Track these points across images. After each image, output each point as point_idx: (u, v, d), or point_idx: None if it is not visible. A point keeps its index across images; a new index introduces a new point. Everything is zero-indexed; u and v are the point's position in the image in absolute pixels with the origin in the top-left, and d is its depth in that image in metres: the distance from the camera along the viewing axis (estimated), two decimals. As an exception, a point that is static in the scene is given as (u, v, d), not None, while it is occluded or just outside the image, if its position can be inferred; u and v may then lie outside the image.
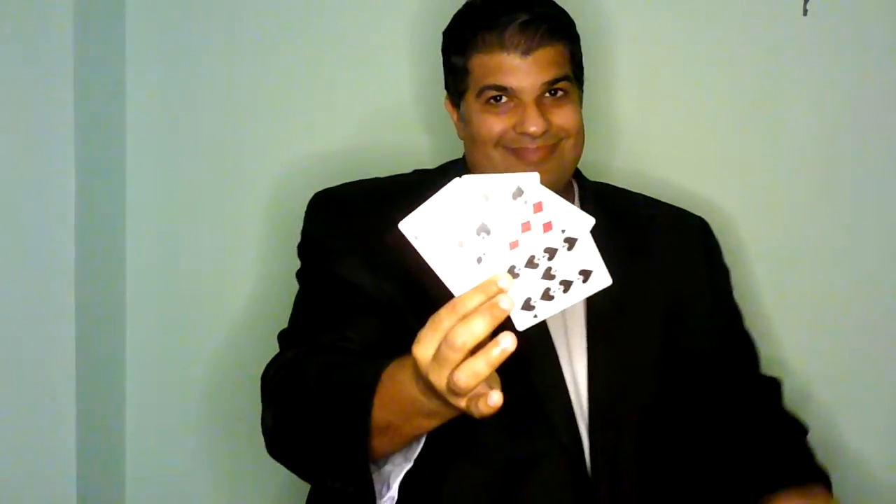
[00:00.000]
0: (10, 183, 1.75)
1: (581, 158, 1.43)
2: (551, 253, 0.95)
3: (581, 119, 1.40)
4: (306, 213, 1.46)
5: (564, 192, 1.43)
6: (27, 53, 1.73)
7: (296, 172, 1.87)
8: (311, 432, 1.19)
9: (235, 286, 1.92)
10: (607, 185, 1.56)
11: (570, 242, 0.96)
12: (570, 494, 1.31)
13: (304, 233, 1.45)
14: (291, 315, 1.40)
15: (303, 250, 1.44)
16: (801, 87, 1.84)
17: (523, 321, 0.96)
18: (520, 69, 1.34)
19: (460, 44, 1.39)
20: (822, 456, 1.82)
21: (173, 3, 1.91)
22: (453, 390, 0.94)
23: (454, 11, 1.43)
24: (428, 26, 1.54)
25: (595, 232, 1.18)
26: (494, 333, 0.93)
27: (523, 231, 0.95)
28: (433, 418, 1.06)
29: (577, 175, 1.49)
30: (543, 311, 0.96)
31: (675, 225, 1.52)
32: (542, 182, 1.08)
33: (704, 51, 1.85)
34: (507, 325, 0.94)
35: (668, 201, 1.58)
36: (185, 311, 1.95)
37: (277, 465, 1.28)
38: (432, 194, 0.97)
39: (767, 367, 1.58)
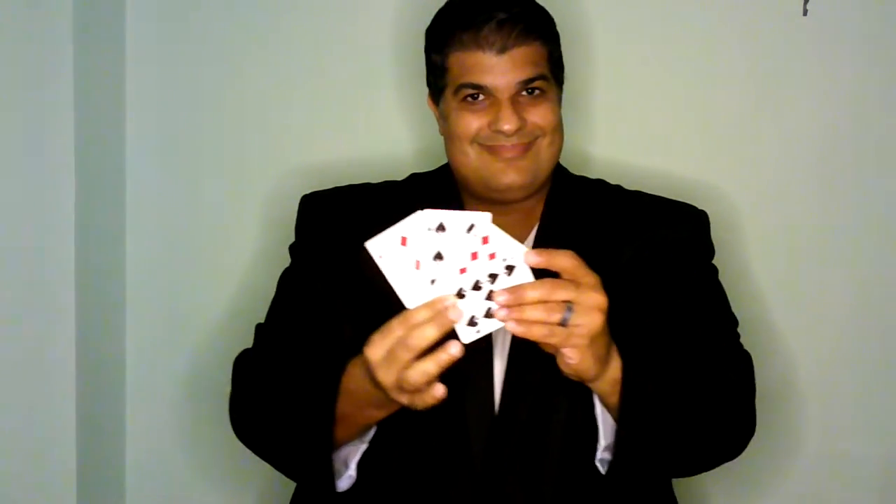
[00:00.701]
0: (10, 183, 1.75)
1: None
2: (493, 278, 1.11)
3: (558, 117, 1.40)
4: (297, 214, 1.49)
5: (545, 185, 1.44)
6: (27, 54, 1.73)
7: (296, 172, 1.86)
8: (277, 422, 1.31)
9: (235, 286, 1.92)
10: (589, 179, 1.53)
11: (510, 269, 1.12)
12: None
13: (295, 233, 1.49)
14: (269, 310, 1.47)
15: (291, 249, 1.49)
16: (801, 86, 1.84)
17: (468, 335, 1.11)
18: (495, 67, 1.35)
19: (439, 42, 1.40)
20: (819, 454, 1.83)
21: (173, 3, 1.91)
22: (401, 387, 1.10)
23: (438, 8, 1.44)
24: (414, 26, 1.54)
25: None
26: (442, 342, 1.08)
27: (472, 259, 1.10)
28: (382, 408, 1.22)
29: (560, 172, 1.49)
30: (485, 327, 1.11)
31: (655, 219, 1.46)
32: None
33: (705, 51, 1.85)
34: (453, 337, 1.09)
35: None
36: (185, 311, 1.95)
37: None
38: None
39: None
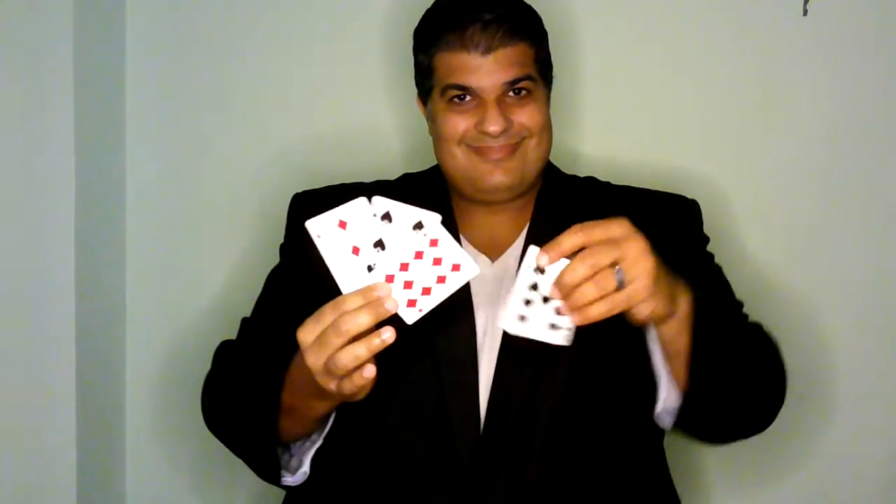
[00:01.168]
0: (10, 183, 1.75)
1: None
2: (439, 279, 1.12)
3: (546, 117, 1.40)
4: (288, 212, 1.50)
5: (534, 185, 1.44)
6: (27, 53, 1.73)
7: (296, 171, 1.86)
8: (231, 410, 1.35)
9: (235, 286, 1.92)
10: (578, 177, 1.53)
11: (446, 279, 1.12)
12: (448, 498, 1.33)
13: (285, 232, 1.51)
14: (255, 305, 1.50)
15: (281, 248, 1.51)
16: (801, 86, 1.84)
17: (411, 316, 1.10)
18: (481, 68, 1.35)
19: (425, 42, 1.41)
20: (819, 451, 1.82)
21: (173, 3, 1.91)
22: (329, 370, 1.09)
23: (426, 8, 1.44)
24: (402, 26, 1.54)
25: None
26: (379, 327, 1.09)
27: (415, 258, 1.11)
28: (322, 399, 1.21)
29: (551, 171, 1.49)
30: (426, 305, 1.11)
31: (645, 211, 1.43)
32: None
33: (705, 51, 1.85)
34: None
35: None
36: (185, 311, 1.95)
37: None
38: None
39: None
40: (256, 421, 1.27)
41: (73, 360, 1.78)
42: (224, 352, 1.45)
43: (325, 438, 1.34)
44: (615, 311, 1.11)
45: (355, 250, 1.09)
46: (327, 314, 1.09)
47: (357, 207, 1.10)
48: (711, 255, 1.49)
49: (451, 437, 1.33)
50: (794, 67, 1.83)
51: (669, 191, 1.51)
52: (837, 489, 1.88)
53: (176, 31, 1.92)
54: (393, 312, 1.09)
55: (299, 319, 1.36)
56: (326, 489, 1.38)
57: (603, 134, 1.86)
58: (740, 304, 1.45)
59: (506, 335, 1.34)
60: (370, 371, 1.09)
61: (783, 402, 1.36)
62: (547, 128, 1.41)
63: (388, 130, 1.89)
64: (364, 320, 1.07)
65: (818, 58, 1.83)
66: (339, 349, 1.08)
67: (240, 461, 1.40)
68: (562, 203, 1.45)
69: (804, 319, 1.86)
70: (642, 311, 1.13)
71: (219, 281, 1.94)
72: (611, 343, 1.33)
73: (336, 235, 1.10)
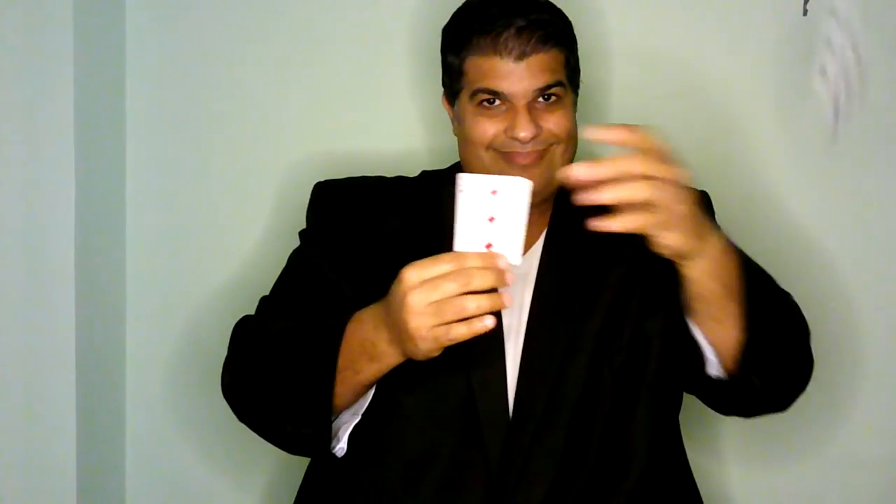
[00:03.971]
0: (10, 183, 1.75)
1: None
2: None
3: (574, 124, 1.40)
4: (310, 200, 1.48)
5: (552, 194, 1.44)
6: (27, 53, 1.73)
7: (296, 171, 1.86)
8: (275, 378, 1.28)
9: (235, 285, 1.91)
10: None
11: None
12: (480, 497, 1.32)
13: (306, 219, 1.48)
14: (274, 285, 1.46)
15: (301, 234, 1.49)
16: (801, 87, 1.84)
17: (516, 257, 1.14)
18: (513, 74, 1.34)
19: (456, 44, 1.39)
20: (820, 454, 1.82)
21: (173, 4, 1.91)
22: (438, 312, 1.09)
23: (455, 6, 1.43)
24: (430, 22, 1.54)
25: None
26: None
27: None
28: (374, 362, 1.20)
29: None
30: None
31: None
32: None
33: (705, 50, 1.85)
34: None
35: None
36: (185, 311, 1.95)
37: (279, 462, 1.29)
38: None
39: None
40: (311, 382, 1.23)
41: (73, 360, 1.78)
42: (246, 326, 1.40)
43: (352, 431, 1.32)
44: (636, 228, 1.10)
45: (490, 219, 1.12)
46: (444, 262, 1.10)
47: (516, 185, 1.14)
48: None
49: (479, 433, 1.33)
50: (794, 67, 1.84)
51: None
52: (837, 489, 1.88)
53: (176, 31, 1.92)
54: (509, 285, 1.11)
55: (327, 302, 1.36)
56: (352, 485, 1.37)
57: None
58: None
59: (529, 330, 1.36)
60: (491, 321, 1.10)
61: (811, 371, 1.35)
62: (573, 134, 1.40)
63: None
64: (488, 279, 1.09)
65: (818, 58, 1.83)
66: (454, 296, 1.09)
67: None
68: (569, 206, 1.45)
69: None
70: (667, 238, 1.12)
71: (219, 280, 1.93)
72: (631, 326, 1.35)
73: (480, 197, 1.13)
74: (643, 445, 1.38)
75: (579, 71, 1.44)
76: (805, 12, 1.81)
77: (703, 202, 1.50)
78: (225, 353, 1.84)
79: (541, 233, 1.44)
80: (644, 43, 1.86)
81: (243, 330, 1.39)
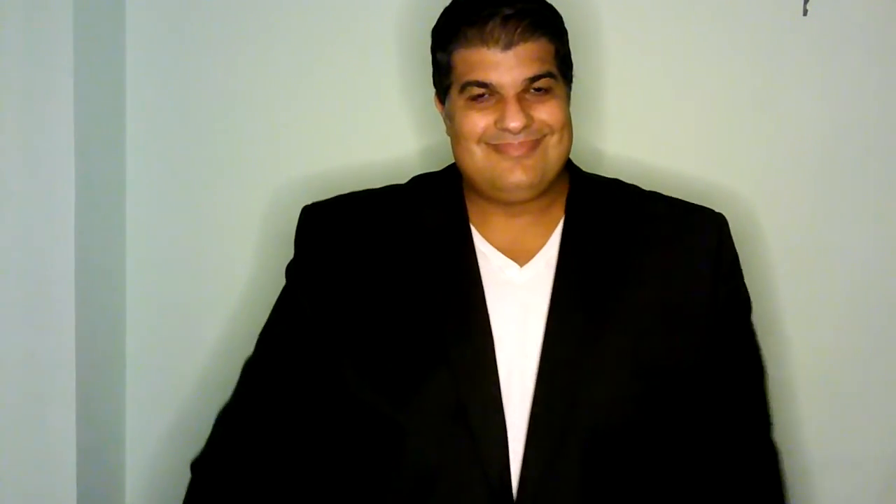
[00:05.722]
0: (10, 183, 1.75)
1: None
2: None
3: (566, 114, 1.38)
4: (297, 226, 1.47)
5: (556, 185, 1.42)
6: (27, 53, 1.73)
7: (296, 173, 1.87)
8: None
9: (236, 286, 1.92)
10: (604, 178, 1.52)
11: None
12: None
13: (295, 247, 1.47)
14: (259, 341, 1.47)
15: (289, 269, 1.47)
16: (801, 86, 1.84)
17: None
18: (501, 64, 1.33)
19: (444, 40, 1.39)
20: (819, 454, 1.82)
21: (173, 4, 1.91)
22: None
23: (442, 8, 1.43)
24: (418, 23, 1.54)
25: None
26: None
27: None
28: None
29: (571, 168, 1.47)
30: None
31: (679, 226, 1.45)
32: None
33: (704, 50, 1.85)
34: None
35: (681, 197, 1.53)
36: (185, 312, 1.95)
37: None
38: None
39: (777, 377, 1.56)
40: None
41: (73, 360, 1.78)
42: (225, 432, 1.44)
43: (346, 468, 1.36)
44: None
45: None
46: None
47: None
48: (745, 298, 1.47)
49: (477, 457, 1.31)
50: (794, 67, 1.83)
51: (696, 201, 1.50)
52: (837, 489, 1.88)
53: (176, 30, 1.92)
54: None
55: (314, 377, 1.38)
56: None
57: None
58: (764, 373, 1.47)
59: (544, 345, 1.34)
60: None
61: None
62: (567, 125, 1.38)
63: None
64: None
65: (818, 58, 1.83)
66: None
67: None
68: (593, 207, 1.43)
69: (804, 319, 1.86)
70: None
71: (220, 280, 1.93)
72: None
73: None
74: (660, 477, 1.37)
75: (571, 63, 1.43)
76: (805, 12, 1.81)
77: (720, 230, 1.47)
78: (225, 351, 1.86)
79: (547, 236, 1.42)
80: (644, 42, 1.86)
81: (220, 439, 1.45)
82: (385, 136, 1.88)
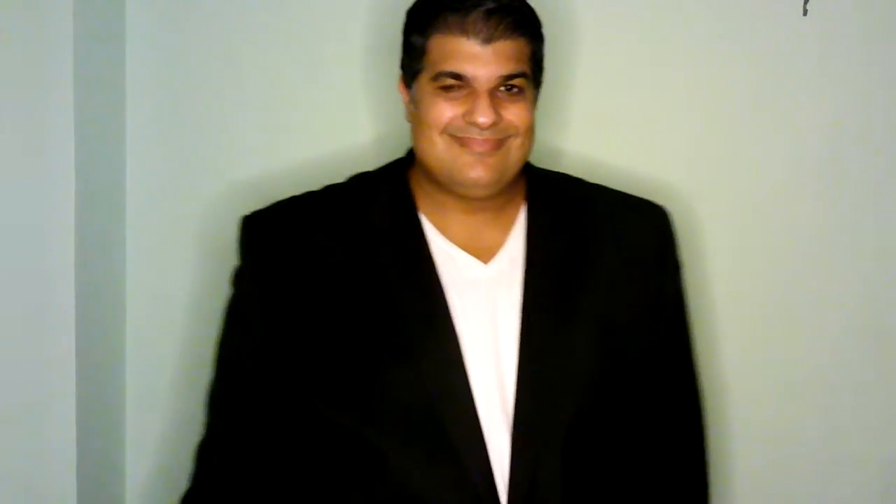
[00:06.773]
0: (10, 183, 1.75)
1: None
2: None
3: (532, 119, 1.37)
4: (239, 237, 1.45)
5: (513, 182, 1.41)
6: (27, 53, 1.73)
7: (296, 173, 1.87)
8: None
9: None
10: (556, 173, 1.51)
11: None
12: None
13: (239, 258, 1.45)
14: (215, 366, 1.48)
15: (233, 278, 1.46)
16: (801, 87, 1.84)
17: None
18: (478, 57, 1.31)
19: (422, 23, 1.36)
20: (819, 455, 1.81)
21: (173, 4, 1.91)
22: None
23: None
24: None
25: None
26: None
27: None
28: None
29: (528, 168, 1.46)
30: None
31: (628, 217, 1.46)
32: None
33: (704, 50, 1.85)
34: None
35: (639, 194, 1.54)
36: (185, 312, 1.95)
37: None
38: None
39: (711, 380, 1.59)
40: None
41: (73, 360, 1.78)
42: (209, 467, 1.45)
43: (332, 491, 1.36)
44: None
45: None
46: None
47: None
48: (678, 269, 1.49)
49: (460, 466, 1.30)
50: (794, 67, 1.83)
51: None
52: (837, 489, 1.88)
53: (176, 31, 1.92)
54: None
55: (276, 394, 1.37)
56: None
57: (594, 134, 1.84)
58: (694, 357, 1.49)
59: (524, 341, 1.34)
60: None
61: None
62: (531, 130, 1.37)
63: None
64: None
65: (818, 58, 1.83)
66: None
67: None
68: (551, 203, 1.43)
69: (803, 319, 1.86)
70: None
71: (220, 281, 1.93)
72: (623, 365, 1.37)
73: None
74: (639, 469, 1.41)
75: (543, 69, 1.42)
76: (805, 12, 1.81)
77: (665, 223, 1.48)
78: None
79: (507, 232, 1.41)
80: (643, 43, 1.86)
81: (202, 476, 1.45)
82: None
